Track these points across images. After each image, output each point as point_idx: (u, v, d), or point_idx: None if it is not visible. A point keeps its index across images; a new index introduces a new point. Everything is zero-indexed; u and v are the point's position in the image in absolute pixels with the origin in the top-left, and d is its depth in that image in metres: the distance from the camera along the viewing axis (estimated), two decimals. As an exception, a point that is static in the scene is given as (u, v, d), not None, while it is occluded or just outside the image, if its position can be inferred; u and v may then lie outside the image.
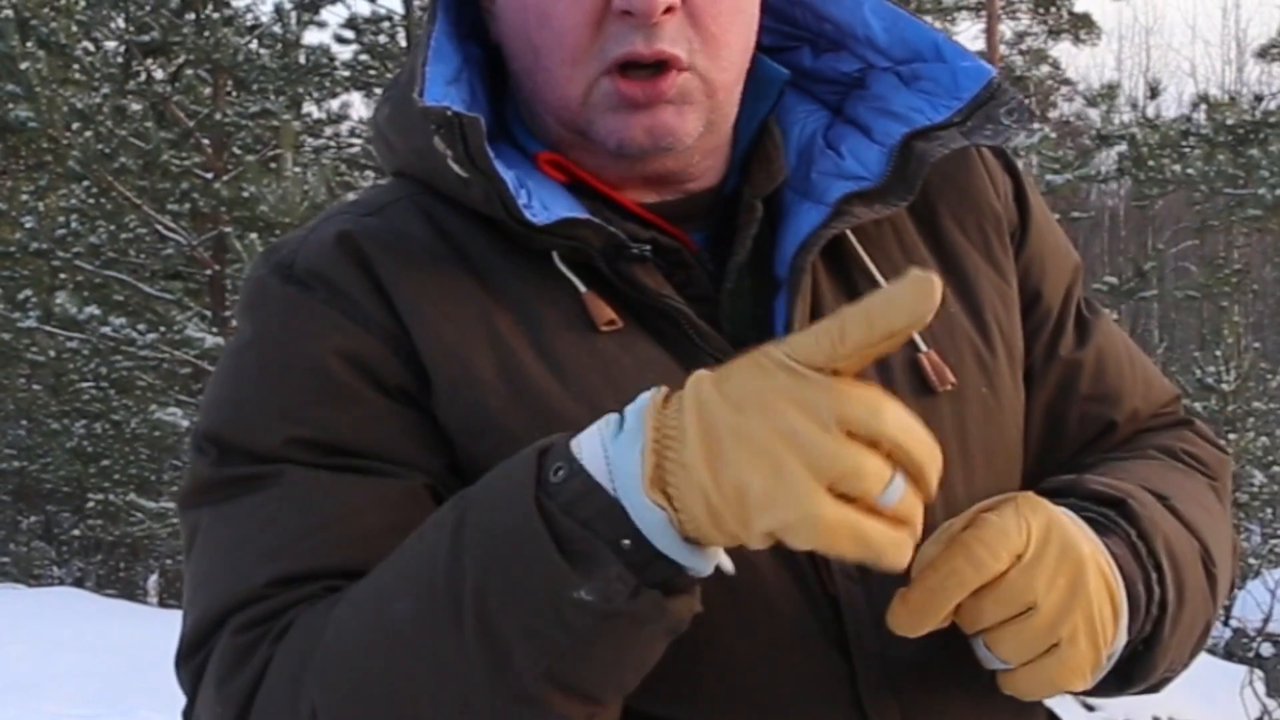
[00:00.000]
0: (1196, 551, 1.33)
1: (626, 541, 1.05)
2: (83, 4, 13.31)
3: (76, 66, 13.25)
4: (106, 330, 12.60)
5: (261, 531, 1.22)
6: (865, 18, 1.41)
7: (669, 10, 1.24)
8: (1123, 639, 1.22)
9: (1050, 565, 1.16)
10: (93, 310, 12.71)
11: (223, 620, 1.20)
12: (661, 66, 1.26)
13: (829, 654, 1.24)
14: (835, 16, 1.42)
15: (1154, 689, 1.36)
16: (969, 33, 22.14)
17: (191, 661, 1.23)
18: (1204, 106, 12.57)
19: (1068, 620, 1.16)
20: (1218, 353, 12.54)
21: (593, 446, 1.07)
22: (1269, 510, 15.56)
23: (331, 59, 15.25)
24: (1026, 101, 1.36)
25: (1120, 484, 1.31)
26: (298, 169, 10.75)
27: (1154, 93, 13.82)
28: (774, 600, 1.23)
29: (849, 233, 1.34)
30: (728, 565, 1.10)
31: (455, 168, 1.25)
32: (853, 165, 1.35)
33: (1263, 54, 16.10)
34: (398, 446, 1.23)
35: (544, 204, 1.25)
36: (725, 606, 1.20)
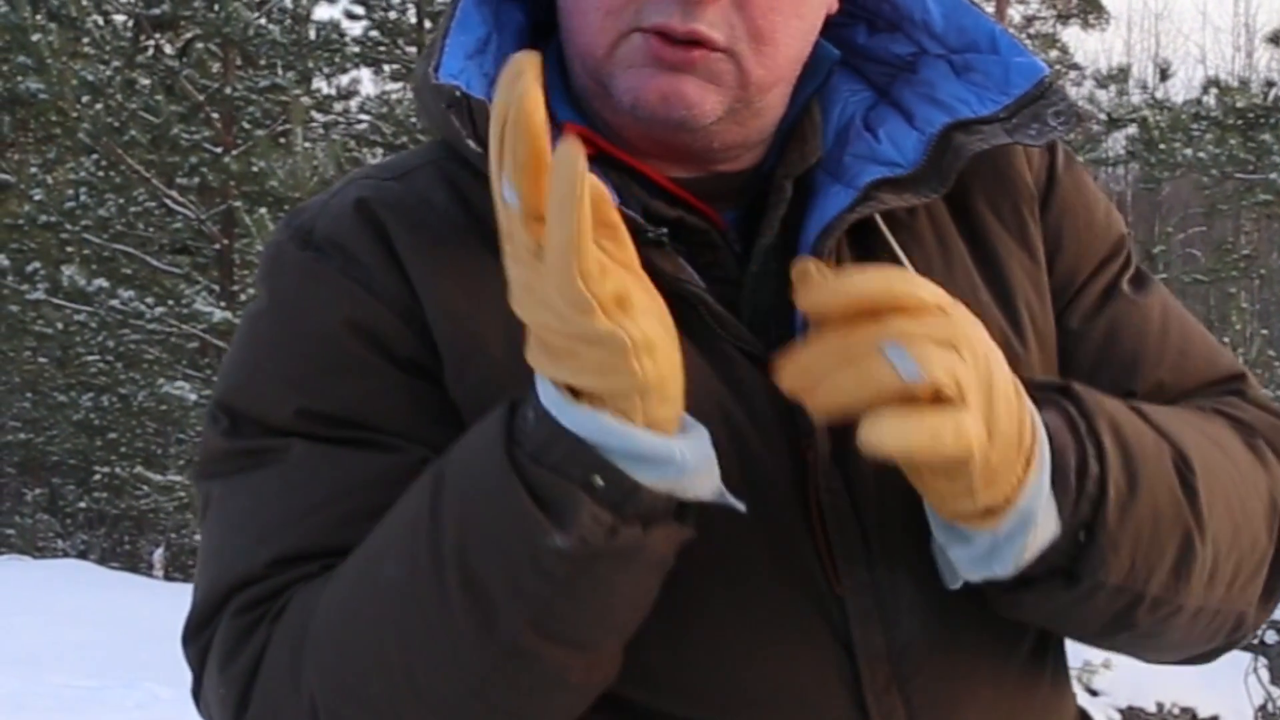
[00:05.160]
0: (1165, 452, 1.23)
1: (598, 479, 1.04)
2: (93, -23, 13.30)
3: (86, 39, 13.25)
4: (114, 303, 12.63)
5: (265, 509, 1.22)
6: (925, 2, 1.38)
7: None
8: (1038, 492, 1.11)
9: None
10: (101, 283, 12.74)
11: (226, 600, 1.21)
12: (695, 43, 1.22)
13: (833, 654, 1.22)
14: None
15: (1146, 641, 1.27)
16: (979, 15, 22.07)
17: (198, 640, 1.24)
18: (1214, 90, 12.54)
19: (973, 348, 1.07)
20: (1225, 339, 12.48)
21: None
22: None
23: (341, 34, 15.24)
24: (1076, 105, 1.33)
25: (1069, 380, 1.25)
26: (307, 144, 10.75)
27: (1164, 75, 13.76)
28: (778, 599, 1.22)
29: (878, 218, 1.31)
30: (734, 503, 1.10)
31: (471, 144, 1.24)
32: (887, 150, 1.32)
33: (1273, 40, 16.01)
34: (407, 420, 1.23)
35: None
36: (729, 604, 1.20)
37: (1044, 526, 1.13)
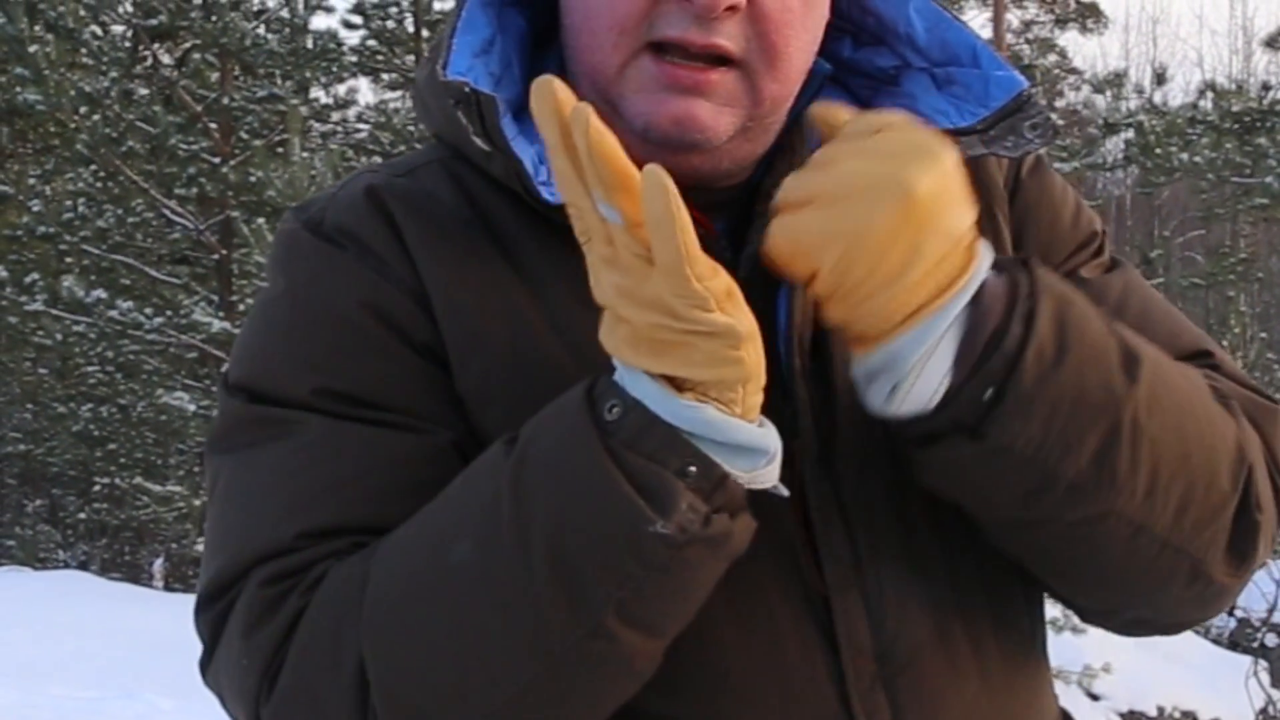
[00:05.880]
0: (1112, 347, 1.22)
1: (693, 468, 1.09)
2: (90, -12, 13.30)
3: (84, 50, 13.25)
4: (113, 314, 12.62)
5: (289, 481, 1.24)
6: (909, 16, 1.40)
7: (731, 9, 1.22)
8: (920, 338, 1.15)
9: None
10: (99, 294, 12.74)
11: (248, 570, 1.22)
12: (714, 59, 1.24)
13: (819, 651, 1.25)
14: (879, 11, 1.41)
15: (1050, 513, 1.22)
16: (976, 21, 22.08)
17: (212, 610, 1.24)
18: (1211, 94, 12.55)
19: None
20: (1224, 342, 12.47)
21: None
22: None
23: (339, 44, 15.23)
24: (1054, 118, 1.35)
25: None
26: (305, 154, 10.72)
27: (1161, 79, 13.76)
28: (765, 595, 1.24)
29: None
30: (781, 489, 1.16)
31: (477, 141, 1.26)
32: None
33: (1270, 43, 16.06)
34: (424, 403, 1.25)
35: None
36: (716, 599, 1.20)
37: (928, 375, 1.16)
